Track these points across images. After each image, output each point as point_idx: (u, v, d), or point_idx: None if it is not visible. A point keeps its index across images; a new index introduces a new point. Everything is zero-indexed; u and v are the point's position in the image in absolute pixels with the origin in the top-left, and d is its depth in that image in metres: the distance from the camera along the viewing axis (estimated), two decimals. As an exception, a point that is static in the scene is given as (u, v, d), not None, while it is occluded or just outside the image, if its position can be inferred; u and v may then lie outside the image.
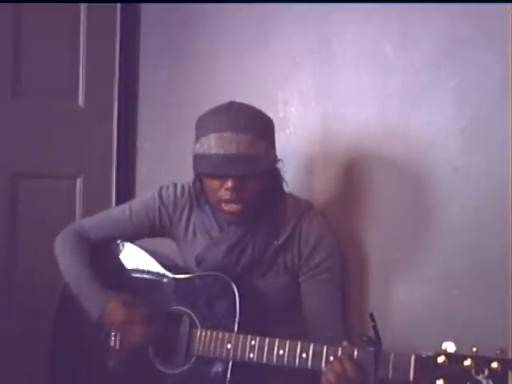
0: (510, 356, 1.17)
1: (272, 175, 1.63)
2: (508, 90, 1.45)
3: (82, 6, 2.45)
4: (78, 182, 2.49)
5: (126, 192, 2.55)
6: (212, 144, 1.53)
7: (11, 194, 2.37)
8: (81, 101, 2.48)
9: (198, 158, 1.58)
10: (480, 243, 1.52)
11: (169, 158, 2.44)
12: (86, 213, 2.12)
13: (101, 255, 1.79)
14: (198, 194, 1.69)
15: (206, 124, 1.58)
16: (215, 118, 1.57)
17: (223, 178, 1.53)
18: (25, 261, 2.37)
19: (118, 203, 2.20)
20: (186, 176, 1.78)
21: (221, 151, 1.51)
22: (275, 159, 1.62)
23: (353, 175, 1.81)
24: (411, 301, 1.66)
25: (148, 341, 1.59)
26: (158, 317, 1.61)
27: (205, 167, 1.56)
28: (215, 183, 1.56)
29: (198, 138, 1.59)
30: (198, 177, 1.64)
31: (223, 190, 1.54)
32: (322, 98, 1.88)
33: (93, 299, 1.65)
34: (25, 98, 2.38)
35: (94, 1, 2.46)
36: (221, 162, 1.51)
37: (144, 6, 2.58)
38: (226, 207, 1.56)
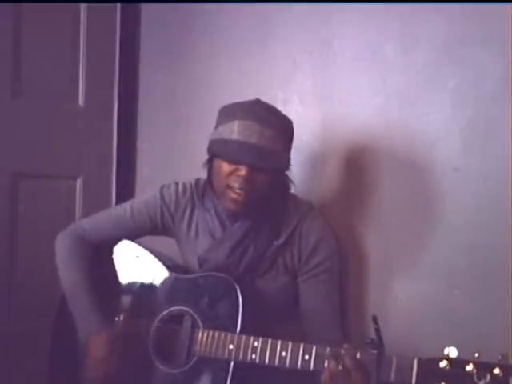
0: (510, 361, 1.16)
1: (281, 178, 1.65)
2: (508, 90, 1.45)
3: (82, 5, 2.45)
4: (78, 182, 2.49)
5: (125, 192, 2.55)
6: (235, 129, 1.54)
7: (11, 193, 2.36)
8: (81, 101, 2.48)
9: (216, 142, 1.59)
10: (480, 243, 1.52)
11: (169, 158, 2.44)
12: (86, 213, 2.11)
13: (103, 255, 1.79)
14: (205, 187, 1.70)
15: (231, 111, 1.59)
16: (242, 107, 1.59)
17: (238, 164, 1.54)
18: (25, 261, 2.36)
19: (118, 203, 2.19)
20: (187, 176, 1.79)
21: (242, 138, 1.53)
22: (289, 163, 1.62)
23: (352, 175, 1.81)
24: (411, 300, 1.66)
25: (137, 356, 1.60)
26: (146, 331, 1.62)
27: (223, 151, 1.56)
28: (229, 168, 1.56)
29: (219, 124, 1.60)
30: (210, 161, 1.64)
31: (234, 176, 1.55)
32: (322, 98, 1.89)
33: (82, 320, 1.65)
34: (25, 98, 2.37)
35: (94, 1, 2.46)
36: (241, 148, 1.53)
37: (144, 6, 2.59)
38: (232, 194, 1.56)
